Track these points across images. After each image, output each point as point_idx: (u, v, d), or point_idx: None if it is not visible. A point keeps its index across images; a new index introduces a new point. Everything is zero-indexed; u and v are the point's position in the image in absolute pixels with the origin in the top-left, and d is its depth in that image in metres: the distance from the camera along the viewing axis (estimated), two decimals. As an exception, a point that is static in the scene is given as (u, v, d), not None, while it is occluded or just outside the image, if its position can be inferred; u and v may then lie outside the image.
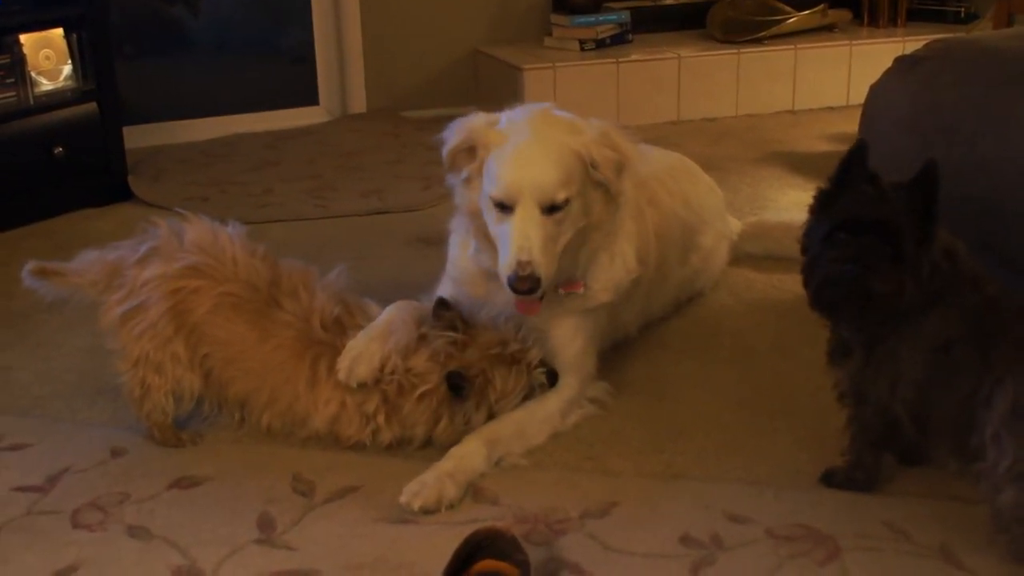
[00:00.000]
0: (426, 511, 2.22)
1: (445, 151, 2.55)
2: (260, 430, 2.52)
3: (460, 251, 2.69)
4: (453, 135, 2.54)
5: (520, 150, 2.44)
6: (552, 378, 2.55)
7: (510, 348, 2.46)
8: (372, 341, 2.44)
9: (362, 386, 2.41)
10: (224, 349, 2.48)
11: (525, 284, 2.36)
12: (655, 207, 2.92)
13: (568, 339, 2.61)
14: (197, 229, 2.56)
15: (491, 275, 2.56)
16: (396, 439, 2.45)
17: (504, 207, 2.41)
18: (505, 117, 2.53)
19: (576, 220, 2.46)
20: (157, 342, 2.45)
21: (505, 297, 2.49)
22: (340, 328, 2.50)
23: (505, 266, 2.39)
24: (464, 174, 2.53)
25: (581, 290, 2.59)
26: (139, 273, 2.48)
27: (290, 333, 2.47)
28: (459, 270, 2.69)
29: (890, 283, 2.03)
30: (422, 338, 2.47)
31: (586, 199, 2.48)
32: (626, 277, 2.67)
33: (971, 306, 2.04)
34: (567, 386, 2.59)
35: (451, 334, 2.45)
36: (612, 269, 2.64)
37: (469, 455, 2.36)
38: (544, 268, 2.37)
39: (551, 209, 2.40)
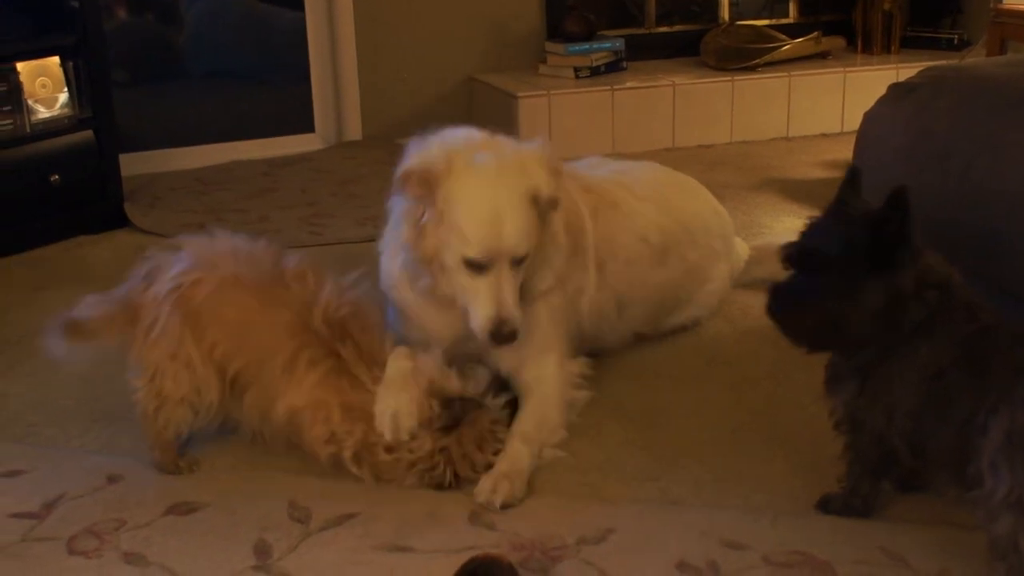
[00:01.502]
0: (506, 506, 2.31)
1: (400, 171, 2.53)
2: (245, 415, 2.50)
3: (399, 282, 2.72)
4: (413, 161, 2.53)
5: (491, 209, 2.45)
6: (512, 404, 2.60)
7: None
8: (400, 392, 2.45)
9: (413, 437, 2.42)
10: (228, 328, 2.45)
11: (507, 340, 2.46)
12: (593, 194, 2.97)
13: (530, 326, 2.62)
14: (193, 243, 2.57)
15: (435, 303, 2.62)
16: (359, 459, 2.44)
17: (476, 266, 2.45)
18: (461, 159, 2.50)
19: (533, 259, 2.55)
20: (169, 345, 2.42)
21: (447, 323, 2.61)
22: (342, 332, 2.47)
23: (484, 323, 2.45)
24: (424, 217, 2.52)
25: None
26: (147, 294, 2.47)
27: (288, 313, 2.45)
28: (398, 297, 2.73)
29: (818, 316, 2.07)
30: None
31: (543, 240, 2.57)
32: (555, 254, 2.70)
33: (964, 335, 2.03)
34: (547, 363, 2.67)
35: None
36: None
37: (517, 456, 2.44)
38: (520, 320, 2.46)
39: (519, 261, 2.49)
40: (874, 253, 2.02)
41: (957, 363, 2.01)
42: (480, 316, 2.45)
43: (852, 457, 2.21)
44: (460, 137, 2.61)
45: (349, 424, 2.42)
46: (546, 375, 2.66)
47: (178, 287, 2.44)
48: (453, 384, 2.45)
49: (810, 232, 2.11)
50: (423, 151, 2.54)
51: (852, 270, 2.04)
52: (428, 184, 2.47)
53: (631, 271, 3.01)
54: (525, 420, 2.56)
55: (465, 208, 2.45)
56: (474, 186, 2.47)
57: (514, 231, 2.45)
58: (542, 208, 2.52)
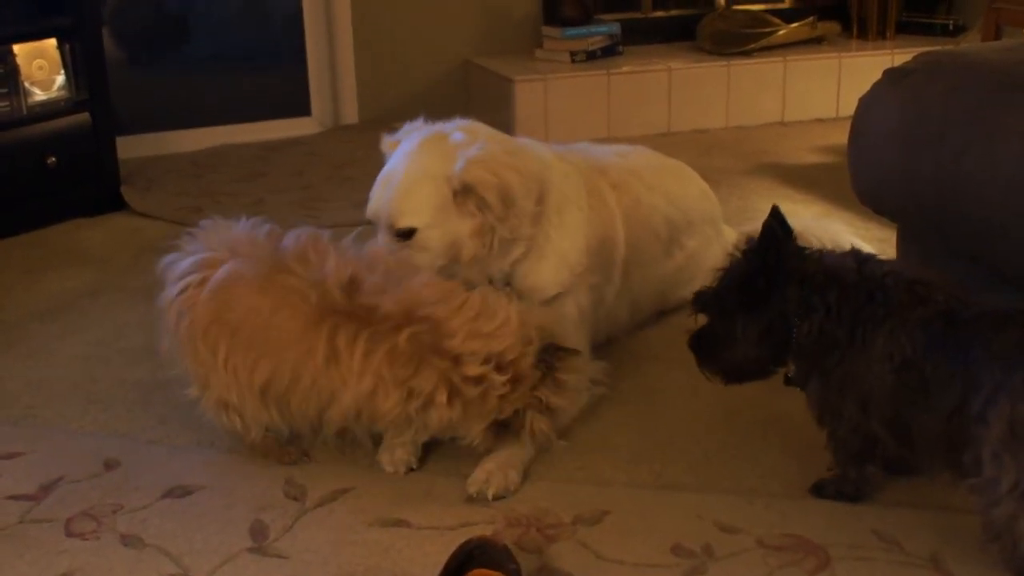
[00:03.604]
0: (498, 497, 2.29)
1: None
2: (297, 422, 2.42)
3: None
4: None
5: (381, 176, 2.58)
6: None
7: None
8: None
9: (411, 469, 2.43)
10: (239, 338, 2.34)
11: None
12: (622, 192, 2.95)
13: (559, 323, 2.63)
14: (209, 230, 2.51)
15: None
16: (448, 424, 2.33)
17: (373, 225, 2.58)
18: (409, 134, 2.66)
19: (439, 250, 2.53)
20: (190, 351, 2.39)
21: None
22: (355, 287, 2.33)
23: None
24: None
25: None
26: (163, 295, 2.46)
27: (302, 304, 2.30)
28: None
29: (715, 369, 2.25)
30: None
31: (452, 232, 2.53)
32: (567, 274, 2.70)
33: (923, 320, 2.01)
34: None
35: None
36: (540, 271, 2.68)
37: (517, 449, 2.41)
38: None
39: (401, 235, 2.51)
40: (742, 292, 2.15)
41: (926, 351, 1.99)
42: None
43: (834, 445, 2.22)
44: (444, 125, 2.68)
45: (417, 372, 2.28)
46: None
47: (182, 291, 2.38)
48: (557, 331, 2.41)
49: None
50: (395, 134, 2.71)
51: (727, 310, 2.18)
52: (383, 153, 2.67)
53: (646, 271, 3.03)
54: None
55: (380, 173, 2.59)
56: (395, 155, 2.60)
57: (394, 198, 2.51)
58: (463, 202, 2.51)
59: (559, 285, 2.69)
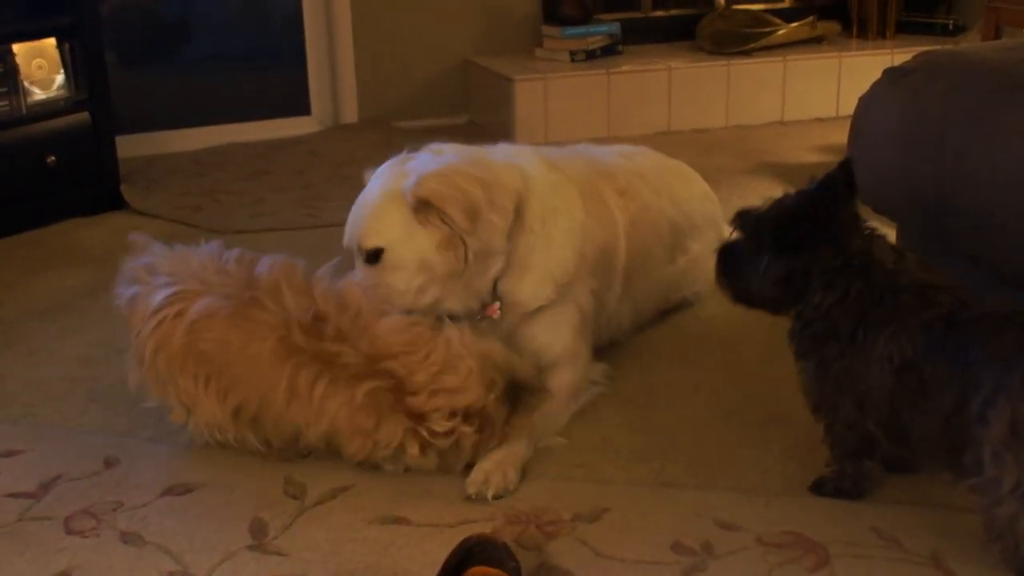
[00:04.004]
0: (498, 497, 2.29)
1: None
2: (277, 443, 2.46)
3: None
4: None
5: (358, 202, 2.57)
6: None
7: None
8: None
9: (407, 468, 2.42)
10: (212, 364, 2.39)
11: None
12: (629, 198, 2.94)
13: (551, 333, 2.66)
14: (168, 260, 2.52)
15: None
16: (429, 467, 2.39)
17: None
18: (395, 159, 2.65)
19: (411, 268, 2.50)
20: (168, 383, 2.42)
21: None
22: (319, 327, 2.36)
23: None
24: None
25: (496, 314, 2.62)
26: (132, 329, 2.47)
27: (270, 338, 2.35)
28: None
29: (730, 274, 2.24)
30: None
31: (419, 248, 2.49)
32: (551, 287, 2.65)
33: (925, 322, 2.01)
34: (569, 371, 2.66)
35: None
36: (522, 286, 2.64)
37: (514, 446, 2.41)
38: None
39: (371, 257, 2.50)
40: (779, 232, 2.12)
41: (926, 354, 1.99)
42: None
43: (831, 441, 2.22)
44: (442, 147, 2.67)
45: (379, 425, 2.33)
46: (566, 380, 2.65)
47: (158, 325, 2.40)
48: (526, 369, 2.45)
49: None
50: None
51: (760, 241, 2.15)
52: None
53: (649, 276, 3.02)
54: (532, 416, 2.52)
55: None
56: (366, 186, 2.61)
57: (360, 222, 2.52)
58: (426, 211, 2.47)
59: (541, 299, 2.65)
